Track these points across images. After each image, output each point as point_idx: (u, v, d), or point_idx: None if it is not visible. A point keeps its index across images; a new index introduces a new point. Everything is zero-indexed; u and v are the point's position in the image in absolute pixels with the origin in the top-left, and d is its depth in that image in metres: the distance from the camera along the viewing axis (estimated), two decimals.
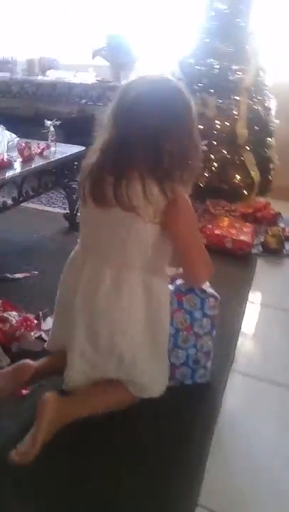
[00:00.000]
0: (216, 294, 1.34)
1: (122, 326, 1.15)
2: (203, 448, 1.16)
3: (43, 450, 1.05)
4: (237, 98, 2.63)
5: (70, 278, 1.23)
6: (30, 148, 2.13)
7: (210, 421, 1.24)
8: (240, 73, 2.62)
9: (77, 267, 1.21)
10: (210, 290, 1.34)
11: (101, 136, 1.12)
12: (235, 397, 1.37)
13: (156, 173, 1.05)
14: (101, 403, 1.20)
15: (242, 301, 1.90)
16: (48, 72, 3.49)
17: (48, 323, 1.53)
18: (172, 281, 1.32)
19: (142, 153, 1.05)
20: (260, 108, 2.74)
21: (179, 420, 1.24)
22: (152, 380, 1.22)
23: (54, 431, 1.10)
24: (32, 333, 1.50)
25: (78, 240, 1.25)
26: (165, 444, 1.16)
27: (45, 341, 1.41)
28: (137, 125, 1.05)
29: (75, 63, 3.80)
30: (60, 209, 2.78)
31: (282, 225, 2.72)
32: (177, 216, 1.08)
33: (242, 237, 2.32)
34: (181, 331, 1.31)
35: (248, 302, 1.91)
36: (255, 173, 2.71)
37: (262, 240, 2.43)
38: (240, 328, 1.71)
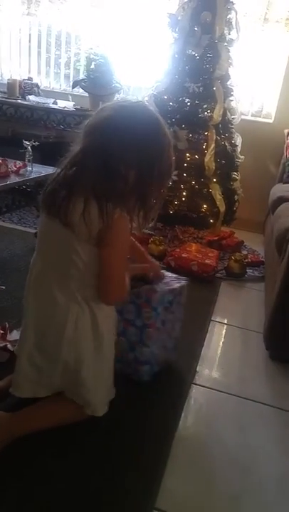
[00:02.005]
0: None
1: (69, 336, 1.12)
2: (163, 454, 1.18)
3: None
4: (206, 133, 2.81)
5: (27, 283, 1.21)
6: (6, 165, 2.16)
7: (171, 428, 1.28)
8: (208, 111, 2.80)
9: (31, 270, 1.20)
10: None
11: (70, 152, 1.10)
12: (196, 407, 1.42)
13: (101, 193, 1.02)
14: (50, 417, 1.17)
15: (206, 319, 1.98)
16: (28, 97, 3.52)
17: (14, 335, 1.53)
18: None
19: (94, 171, 1.03)
20: (226, 144, 2.93)
21: (141, 427, 1.26)
22: (96, 398, 1.18)
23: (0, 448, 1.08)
24: None
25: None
26: (125, 450, 1.17)
27: (11, 352, 1.41)
28: (96, 143, 1.04)
29: (55, 90, 3.92)
30: (30, 228, 2.80)
31: (244, 252, 2.89)
32: (106, 239, 1.04)
33: (207, 261, 2.43)
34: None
35: (211, 321, 1.99)
36: (220, 204, 2.85)
37: (226, 265, 2.55)
38: (204, 344, 1.78)
